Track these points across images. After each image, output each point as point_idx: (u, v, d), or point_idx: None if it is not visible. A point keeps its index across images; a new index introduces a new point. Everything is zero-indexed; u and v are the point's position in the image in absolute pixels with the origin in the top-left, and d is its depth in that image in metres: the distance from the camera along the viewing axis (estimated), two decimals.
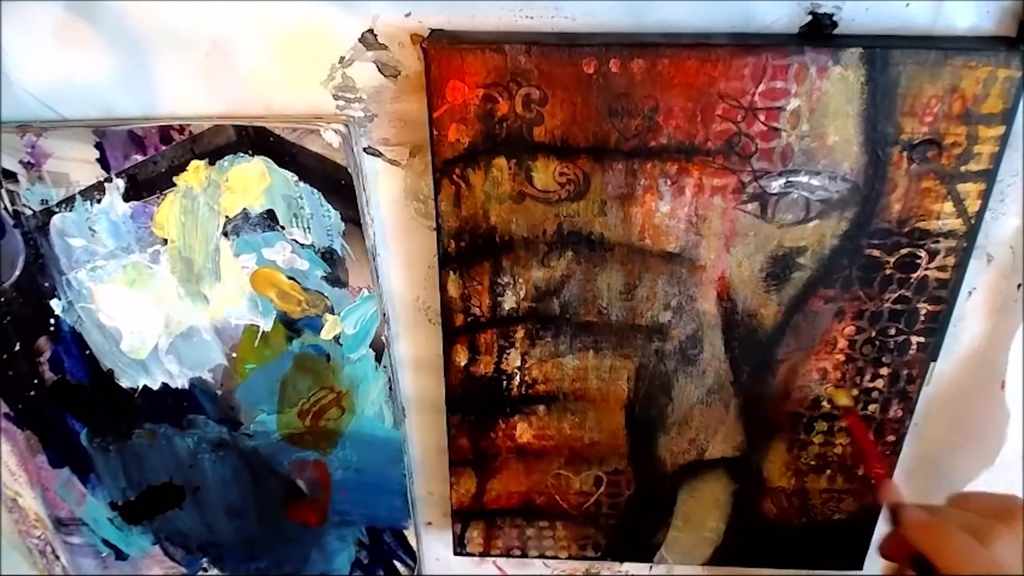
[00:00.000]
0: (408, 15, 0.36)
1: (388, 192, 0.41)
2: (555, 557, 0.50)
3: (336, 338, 0.43)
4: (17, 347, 0.45)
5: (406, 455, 0.48)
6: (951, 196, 0.36)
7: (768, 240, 0.38)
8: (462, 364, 0.43)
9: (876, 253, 0.38)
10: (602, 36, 0.35)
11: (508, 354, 0.42)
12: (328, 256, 0.41)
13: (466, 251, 0.39)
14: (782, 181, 0.36)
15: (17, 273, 0.43)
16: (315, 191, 0.39)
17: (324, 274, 0.41)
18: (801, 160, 0.36)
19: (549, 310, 0.41)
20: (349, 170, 0.38)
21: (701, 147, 0.36)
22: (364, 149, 0.39)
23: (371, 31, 0.36)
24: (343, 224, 0.40)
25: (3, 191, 0.40)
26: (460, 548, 0.50)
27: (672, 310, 0.40)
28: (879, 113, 0.34)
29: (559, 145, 0.36)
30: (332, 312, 0.42)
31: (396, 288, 0.43)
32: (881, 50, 0.33)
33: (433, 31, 0.36)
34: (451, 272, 0.40)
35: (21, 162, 0.39)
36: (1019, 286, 0.40)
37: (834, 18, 0.34)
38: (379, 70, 0.37)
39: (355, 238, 0.40)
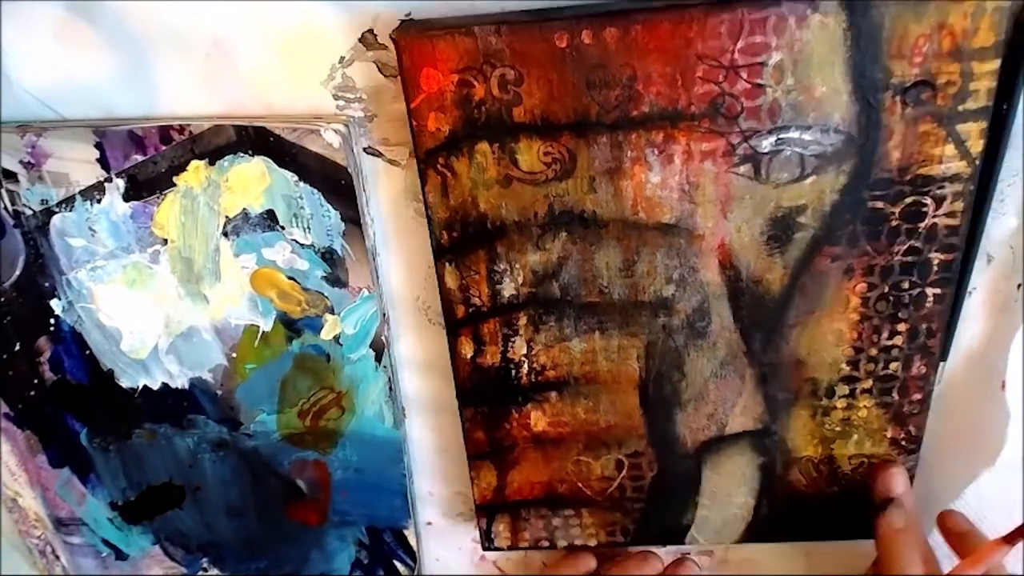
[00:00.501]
0: (408, 15, 0.36)
1: (388, 192, 0.41)
2: (584, 546, 0.49)
3: (336, 338, 0.43)
4: (17, 347, 0.45)
5: (406, 455, 0.48)
6: (951, 138, 0.35)
7: (765, 202, 0.37)
8: (468, 356, 0.42)
9: (880, 205, 0.36)
10: (572, 8, 0.34)
11: (513, 342, 0.41)
12: (328, 256, 0.41)
13: (459, 241, 0.39)
14: (772, 139, 0.35)
15: (17, 273, 0.43)
16: (315, 191, 0.39)
17: (324, 274, 0.41)
18: (790, 115, 0.35)
19: (549, 294, 0.40)
20: (349, 170, 0.38)
21: (685, 112, 0.35)
22: (364, 149, 0.39)
23: (371, 31, 0.36)
24: (343, 224, 0.40)
25: (3, 191, 0.40)
26: (488, 543, 0.49)
27: (675, 283, 0.39)
28: (866, 59, 0.33)
29: (540, 124, 0.35)
30: (332, 312, 0.42)
31: (396, 288, 0.43)
32: None
33: (403, 21, 0.35)
34: (447, 264, 0.39)
35: (21, 162, 0.40)
36: (1019, 286, 0.40)
37: None
38: (379, 70, 0.37)
39: (355, 238, 0.40)
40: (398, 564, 0.52)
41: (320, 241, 0.40)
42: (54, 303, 0.43)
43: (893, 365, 0.41)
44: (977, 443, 0.43)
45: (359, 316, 0.42)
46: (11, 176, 0.40)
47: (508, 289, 0.40)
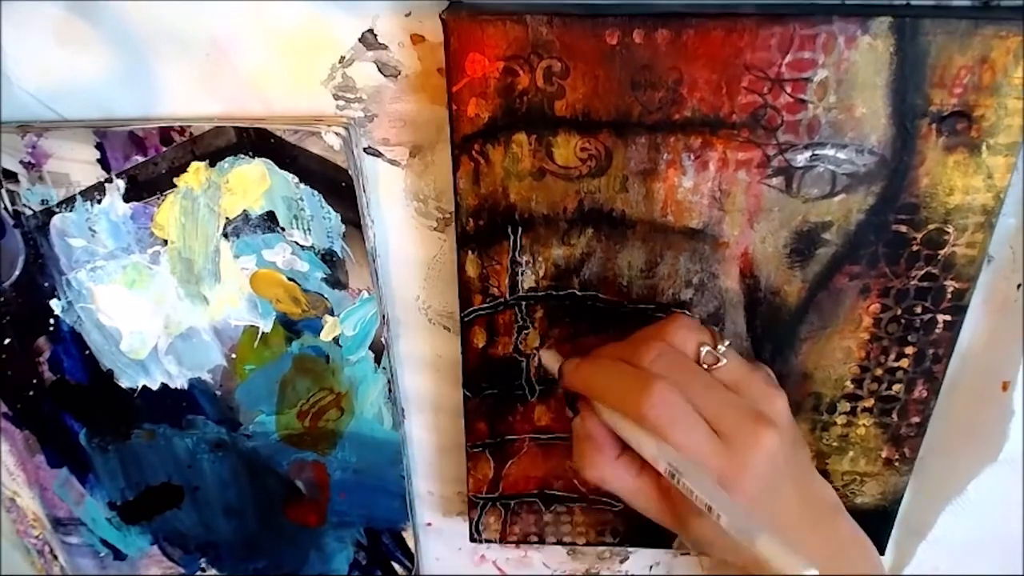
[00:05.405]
0: (408, 15, 0.36)
1: (388, 193, 0.41)
2: (573, 543, 0.49)
3: (336, 339, 0.43)
4: (17, 347, 0.45)
5: (405, 457, 0.48)
6: (980, 170, 0.35)
7: (793, 215, 0.37)
8: (480, 346, 0.42)
9: (903, 229, 0.37)
10: (625, 6, 0.34)
11: (526, 334, 0.41)
12: (328, 258, 0.41)
13: (485, 230, 0.38)
14: (808, 154, 0.35)
15: (17, 273, 0.43)
16: (315, 193, 0.39)
17: (324, 276, 0.41)
18: (828, 133, 0.35)
19: (569, 288, 0.40)
20: (350, 172, 0.38)
21: (726, 120, 0.35)
22: (364, 149, 0.39)
23: (371, 31, 0.36)
24: (343, 226, 0.40)
25: (3, 191, 0.40)
26: (476, 535, 0.49)
27: (694, 287, 0.39)
28: (908, 84, 0.33)
29: (580, 119, 0.35)
30: (332, 314, 0.42)
31: (396, 289, 0.43)
32: (911, 20, 0.32)
33: (452, 3, 0.35)
34: (469, 252, 0.39)
35: (21, 162, 0.39)
36: (1019, 286, 0.40)
37: None
38: (379, 70, 0.37)
39: (355, 240, 0.40)
40: (396, 565, 0.52)
41: (320, 243, 0.40)
42: (54, 303, 0.43)
43: (896, 387, 0.41)
44: (977, 443, 0.43)
45: (359, 318, 0.42)
46: (11, 176, 0.40)
47: (528, 281, 0.40)
